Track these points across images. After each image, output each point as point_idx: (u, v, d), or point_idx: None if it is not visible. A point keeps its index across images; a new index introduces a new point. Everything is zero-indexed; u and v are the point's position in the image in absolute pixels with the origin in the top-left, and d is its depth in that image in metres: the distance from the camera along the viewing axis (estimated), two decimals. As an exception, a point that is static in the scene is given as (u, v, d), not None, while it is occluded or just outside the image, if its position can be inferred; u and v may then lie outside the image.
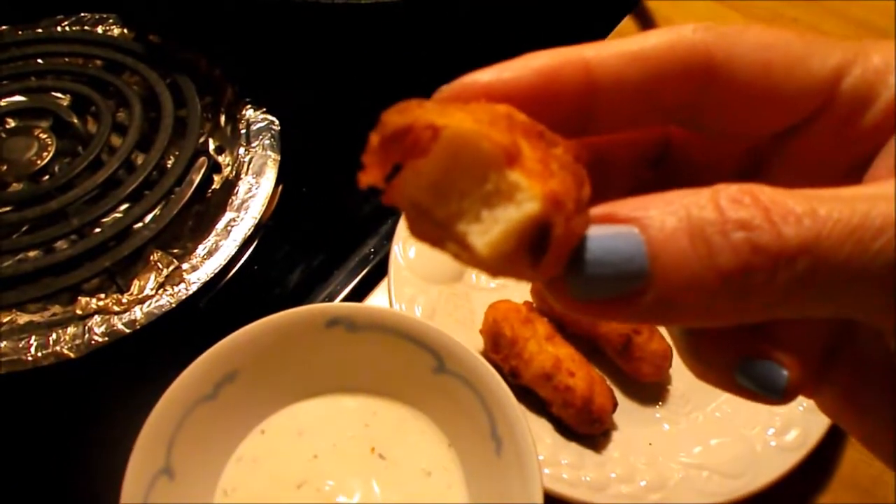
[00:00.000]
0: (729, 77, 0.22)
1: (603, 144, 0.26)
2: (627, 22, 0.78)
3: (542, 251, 0.19)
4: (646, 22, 0.78)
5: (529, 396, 0.50)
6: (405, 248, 0.55)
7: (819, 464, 0.52)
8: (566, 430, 0.49)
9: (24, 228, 0.59)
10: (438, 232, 0.20)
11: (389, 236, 0.57)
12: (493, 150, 0.19)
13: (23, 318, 0.56)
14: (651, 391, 0.52)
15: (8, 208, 0.60)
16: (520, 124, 0.20)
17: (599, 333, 0.51)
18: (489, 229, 0.19)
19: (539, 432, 0.49)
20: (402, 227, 0.56)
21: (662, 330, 0.52)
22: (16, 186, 0.61)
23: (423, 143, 0.19)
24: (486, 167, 0.19)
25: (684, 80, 0.22)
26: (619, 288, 0.19)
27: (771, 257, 0.18)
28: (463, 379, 0.45)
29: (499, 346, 0.50)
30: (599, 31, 0.76)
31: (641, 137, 0.27)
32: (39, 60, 0.71)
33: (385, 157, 0.20)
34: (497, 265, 0.19)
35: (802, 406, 0.50)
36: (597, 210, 0.20)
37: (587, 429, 0.48)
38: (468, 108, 0.20)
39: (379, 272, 0.58)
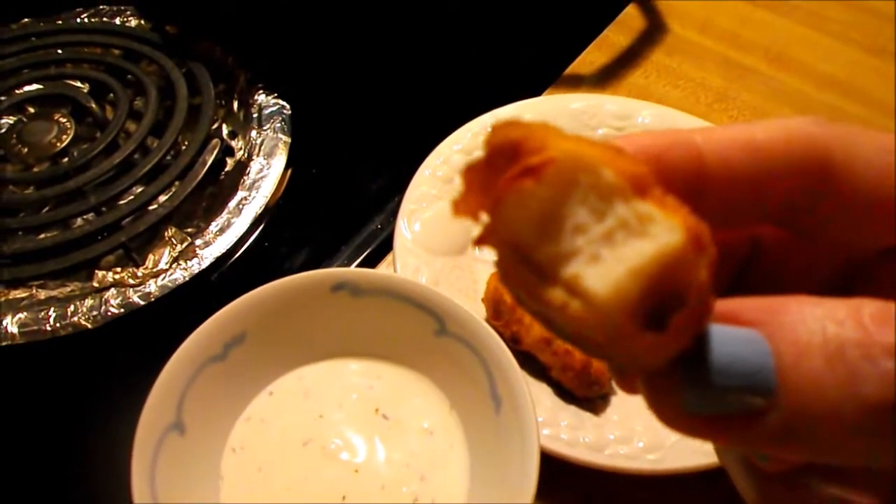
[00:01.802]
0: (847, 179, 0.20)
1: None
2: (631, 10, 0.80)
3: (660, 321, 0.16)
4: (649, 12, 0.79)
5: (530, 361, 0.51)
6: (410, 223, 0.56)
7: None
8: (566, 393, 0.50)
9: (44, 207, 0.61)
10: (537, 279, 0.17)
11: (395, 213, 0.59)
12: (618, 178, 0.16)
13: (43, 294, 0.58)
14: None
15: (30, 189, 0.62)
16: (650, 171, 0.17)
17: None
18: (612, 270, 0.16)
19: (539, 396, 0.50)
20: (406, 202, 0.57)
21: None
22: (36, 168, 0.64)
23: (531, 167, 0.16)
24: (610, 198, 0.16)
25: (799, 177, 0.20)
26: (740, 404, 0.17)
27: None
28: (464, 340, 0.46)
29: (500, 312, 0.51)
30: (600, 19, 0.78)
31: (736, 236, 0.24)
32: (59, 51, 0.74)
33: (488, 179, 0.17)
34: (617, 316, 0.16)
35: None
36: (721, 305, 0.17)
37: (586, 391, 0.49)
38: (584, 139, 0.17)
39: (385, 247, 0.60)
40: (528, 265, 0.17)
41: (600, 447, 0.47)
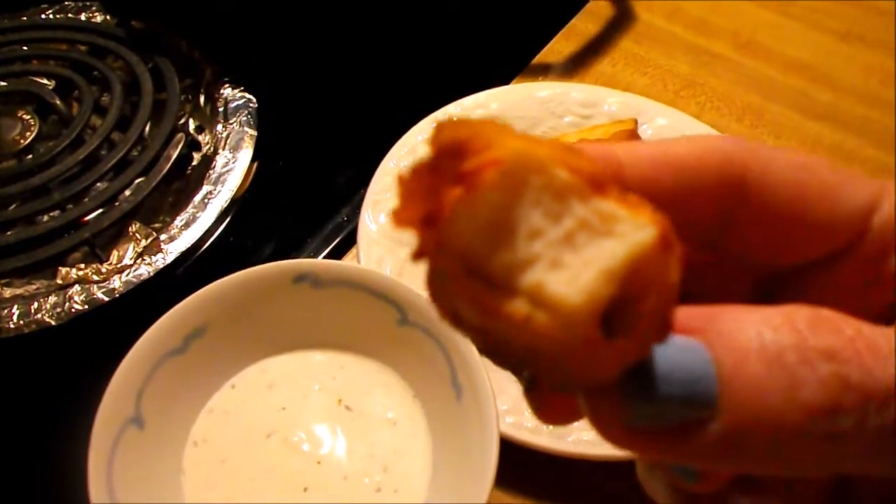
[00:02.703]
0: (762, 195, 0.20)
1: None
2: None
3: (612, 329, 0.15)
4: (617, 0, 0.79)
5: (494, 350, 0.51)
6: (374, 214, 0.56)
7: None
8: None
9: (8, 204, 0.60)
10: (489, 292, 0.15)
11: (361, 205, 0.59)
12: (572, 176, 0.15)
13: (7, 292, 0.57)
14: (616, 345, 0.53)
15: (3, 185, 0.62)
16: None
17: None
18: (580, 274, 0.15)
19: (503, 384, 0.50)
20: (371, 192, 0.57)
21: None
22: (0, 165, 0.63)
23: (478, 166, 0.15)
24: (565, 198, 0.15)
25: (717, 194, 0.20)
26: (682, 415, 0.16)
27: (862, 398, 0.15)
28: (425, 329, 0.46)
29: (464, 301, 0.51)
30: (568, 8, 0.77)
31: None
32: (24, 47, 0.73)
33: (432, 184, 0.15)
34: (587, 323, 0.15)
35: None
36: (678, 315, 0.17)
37: (550, 379, 0.49)
38: (513, 132, 0.16)
39: (351, 239, 0.60)
40: (476, 278, 0.15)
41: (564, 434, 0.47)
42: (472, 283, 0.15)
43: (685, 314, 0.17)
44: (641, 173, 0.20)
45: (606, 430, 0.17)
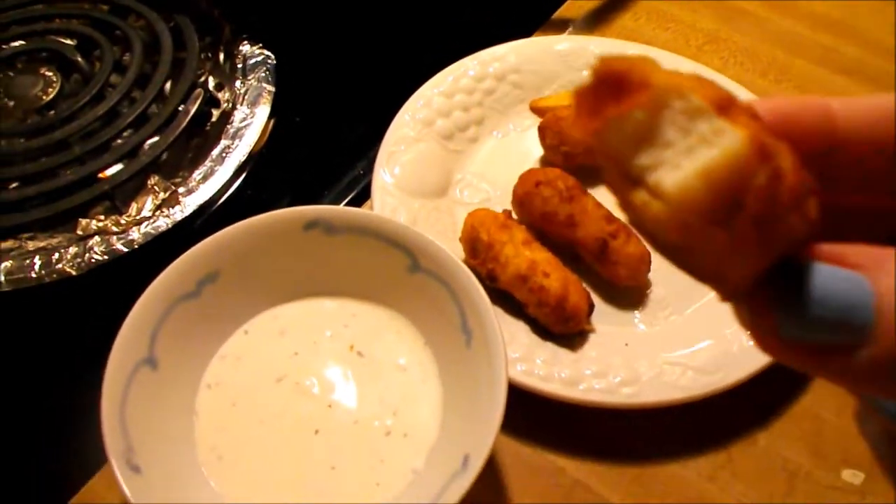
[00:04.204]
0: None
1: (835, 207, 0.24)
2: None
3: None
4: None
5: (506, 299, 0.51)
6: (390, 165, 0.56)
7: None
8: (543, 330, 0.50)
9: (29, 158, 0.61)
10: (630, 184, 0.20)
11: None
12: (701, 102, 0.18)
13: (30, 245, 0.58)
14: (630, 296, 0.53)
15: (15, 140, 0.63)
16: (748, 109, 0.19)
17: (577, 238, 0.52)
18: (684, 172, 0.18)
19: (516, 333, 0.50)
20: (385, 144, 0.57)
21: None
22: (22, 120, 0.64)
23: (634, 91, 0.19)
24: (695, 117, 0.19)
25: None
26: (835, 336, 0.18)
27: None
28: (435, 275, 0.46)
29: (476, 250, 0.51)
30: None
31: (878, 206, 0.24)
32: (47, 7, 0.74)
33: (596, 101, 0.20)
34: (687, 211, 0.18)
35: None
36: (827, 248, 0.19)
37: (562, 327, 0.49)
38: (684, 74, 0.19)
39: (367, 192, 0.59)
40: (626, 177, 0.20)
41: (575, 382, 0.47)
42: (623, 180, 0.20)
43: (857, 251, 0.18)
44: (856, 125, 0.21)
45: (762, 338, 0.19)
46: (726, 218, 0.18)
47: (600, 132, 0.20)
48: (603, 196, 0.54)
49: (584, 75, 0.62)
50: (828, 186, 0.21)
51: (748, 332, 0.20)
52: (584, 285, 0.51)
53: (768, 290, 0.19)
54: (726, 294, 0.20)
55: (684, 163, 0.19)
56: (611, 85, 0.20)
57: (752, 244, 0.18)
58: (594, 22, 0.71)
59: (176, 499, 0.40)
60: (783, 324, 0.18)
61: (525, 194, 0.53)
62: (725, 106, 0.18)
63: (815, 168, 0.20)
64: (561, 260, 0.51)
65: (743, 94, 0.61)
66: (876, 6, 0.74)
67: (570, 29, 0.71)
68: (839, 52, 0.70)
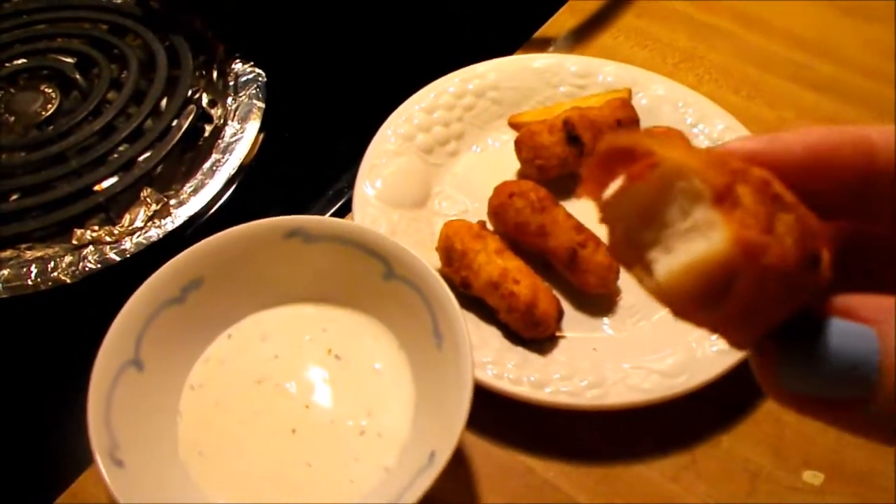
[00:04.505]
0: None
1: (873, 235, 0.23)
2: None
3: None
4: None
5: (479, 305, 0.53)
6: (371, 178, 0.59)
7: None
8: (514, 336, 0.52)
9: (28, 171, 0.64)
10: (633, 254, 0.21)
11: (361, 171, 0.61)
12: (702, 187, 0.19)
13: (28, 254, 0.61)
14: (600, 303, 0.55)
15: (15, 154, 0.65)
16: (756, 182, 0.19)
17: (548, 247, 0.54)
18: (672, 262, 0.19)
19: (488, 338, 0.52)
20: (368, 157, 0.60)
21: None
22: (23, 135, 0.67)
23: (640, 167, 0.20)
24: (696, 201, 0.19)
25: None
26: (840, 392, 0.18)
27: None
28: (409, 282, 0.48)
29: (451, 259, 0.53)
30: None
31: None
32: (49, 26, 0.77)
33: (604, 172, 0.21)
34: (673, 298, 0.19)
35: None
36: (840, 301, 0.19)
37: (531, 332, 0.51)
38: (693, 150, 0.20)
39: (351, 204, 0.62)
40: (629, 243, 0.21)
41: (543, 385, 0.49)
42: (627, 245, 0.21)
43: (866, 304, 0.18)
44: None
45: (766, 388, 0.19)
46: (714, 303, 0.19)
47: (608, 200, 0.21)
48: (573, 207, 0.56)
49: (562, 91, 0.65)
50: (864, 216, 0.22)
51: (758, 379, 0.20)
52: (555, 293, 0.54)
53: (772, 345, 0.19)
54: (730, 345, 0.21)
55: (678, 247, 0.19)
56: (617, 159, 0.20)
57: (741, 324, 0.19)
58: (574, 41, 0.74)
59: (157, 493, 0.42)
60: (786, 379, 0.19)
61: (499, 205, 0.55)
62: (723, 194, 0.18)
63: (851, 201, 0.21)
64: (533, 268, 0.54)
65: (716, 111, 0.64)
66: (849, 25, 0.76)
67: (552, 48, 0.73)
68: (812, 70, 0.72)
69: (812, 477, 0.50)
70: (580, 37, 0.74)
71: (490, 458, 0.50)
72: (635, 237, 0.20)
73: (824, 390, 0.18)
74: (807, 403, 0.19)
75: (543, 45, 0.73)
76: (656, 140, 0.20)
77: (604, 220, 0.21)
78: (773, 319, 0.19)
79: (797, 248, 0.18)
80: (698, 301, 0.19)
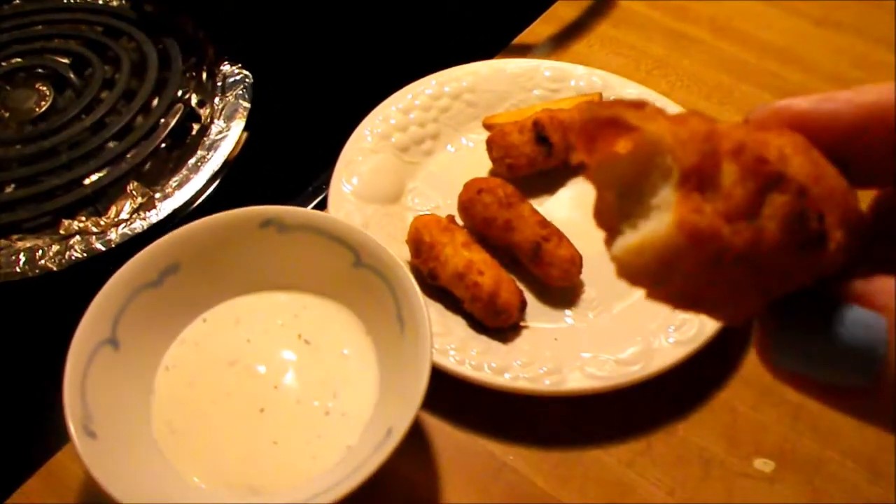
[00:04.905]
0: None
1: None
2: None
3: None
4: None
5: (446, 296, 0.55)
6: (348, 174, 0.61)
7: (721, 363, 0.56)
8: (478, 325, 0.54)
9: (20, 163, 0.67)
10: (610, 223, 0.21)
11: (340, 168, 0.63)
12: (672, 165, 0.19)
13: (19, 244, 0.63)
14: (564, 296, 0.57)
15: (16, 147, 0.68)
16: (749, 161, 0.18)
17: (514, 241, 0.56)
18: (632, 237, 0.19)
19: (453, 327, 0.54)
20: (344, 154, 0.62)
21: (572, 237, 0.56)
22: (17, 129, 0.69)
23: (624, 139, 0.20)
24: (664, 180, 0.19)
25: None
26: (832, 377, 0.17)
27: None
28: (375, 270, 0.51)
29: (420, 251, 0.55)
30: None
31: None
32: (47, 27, 0.80)
33: (590, 140, 0.21)
34: (625, 273, 0.20)
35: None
36: (855, 284, 0.18)
37: (493, 321, 0.53)
38: (679, 123, 0.19)
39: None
40: (611, 211, 0.21)
41: (504, 370, 0.51)
42: (608, 212, 0.21)
43: (881, 286, 0.17)
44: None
45: (763, 363, 0.19)
46: (665, 281, 0.19)
47: (595, 166, 0.21)
48: (542, 204, 0.58)
49: (535, 94, 0.67)
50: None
51: (757, 353, 0.20)
52: (521, 285, 0.56)
53: (770, 321, 0.19)
54: (714, 318, 0.22)
55: (640, 224, 0.19)
56: (605, 125, 0.20)
57: (696, 303, 0.19)
58: (552, 48, 0.76)
59: (128, 464, 0.44)
60: (778, 357, 0.18)
61: (468, 200, 0.58)
62: (691, 172, 0.18)
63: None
64: (500, 262, 0.56)
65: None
66: (819, 35, 0.78)
67: (532, 55, 0.76)
68: (783, 78, 0.75)
69: (763, 464, 0.52)
70: (556, 44, 0.76)
71: (452, 441, 0.52)
72: (615, 206, 0.21)
73: (819, 375, 0.18)
74: (803, 385, 0.18)
75: (521, 52, 0.76)
76: (640, 113, 0.20)
77: (592, 181, 0.21)
78: (755, 298, 0.19)
79: (783, 231, 0.18)
80: (650, 278, 0.19)
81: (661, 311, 0.54)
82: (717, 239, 0.18)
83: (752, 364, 0.56)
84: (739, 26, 0.79)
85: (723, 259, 0.18)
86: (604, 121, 0.20)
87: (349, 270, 0.52)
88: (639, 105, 0.20)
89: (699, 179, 0.18)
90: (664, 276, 0.19)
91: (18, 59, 0.75)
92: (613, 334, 0.54)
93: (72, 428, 0.42)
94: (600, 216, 0.21)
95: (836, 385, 0.18)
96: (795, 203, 0.18)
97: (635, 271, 0.19)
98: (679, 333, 0.53)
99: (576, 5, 0.80)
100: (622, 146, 0.20)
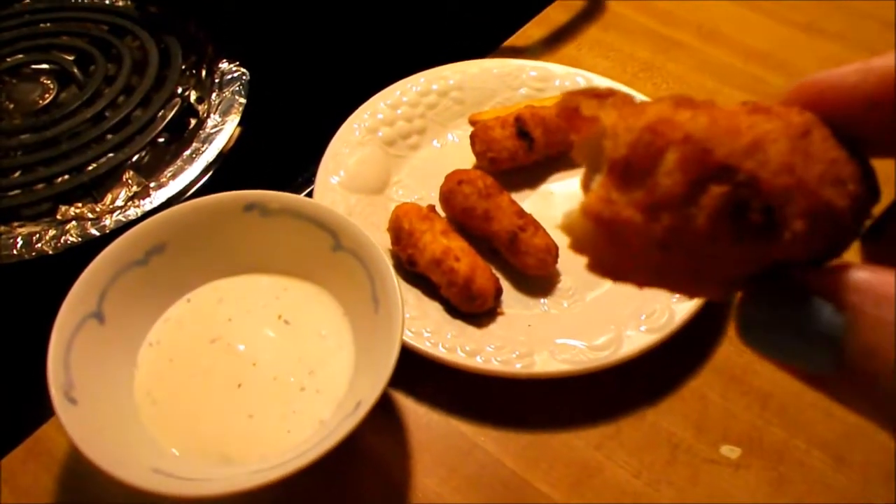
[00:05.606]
0: None
1: None
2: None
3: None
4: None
5: (424, 282, 0.57)
6: (334, 165, 0.63)
7: (692, 351, 0.57)
8: (455, 310, 0.56)
9: (22, 151, 0.69)
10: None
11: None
12: (609, 151, 0.20)
13: (19, 230, 0.65)
14: (541, 285, 0.59)
15: (20, 136, 0.71)
16: (693, 151, 0.19)
17: (492, 231, 0.58)
18: (573, 212, 0.21)
19: (430, 311, 0.56)
20: (331, 147, 0.64)
21: (550, 229, 0.58)
22: (20, 120, 0.72)
23: (588, 125, 0.22)
24: (603, 166, 0.20)
25: None
26: (794, 362, 0.18)
27: None
28: (353, 252, 0.52)
29: (399, 238, 0.57)
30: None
31: None
32: (54, 25, 0.83)
33: (569, 123, 0.23)
34: (573, 241, 0.21)
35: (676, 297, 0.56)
36: (824, 276, 0.18)
37: (468, 306, 0.55)
38: (642, 109, 0.20)
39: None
40: (586, 185, 0.22)
41: (476, 354, 0.53)
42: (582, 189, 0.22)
43: (847, 282, 0.17)
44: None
45: (738, 337, 0.19)
46: (615, 256, 0.20)
47: (578, 143, 0.23)
48: (520, 198, 0.60)
49: (521, 93, 0.69)
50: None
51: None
52: (499, 274, 0.57)
53: (740, 308, 0.19)
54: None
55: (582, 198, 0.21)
56: (576, 111, 0.22)
57: (628, 277, 0.21)
58: (541, 51, 0.78)
59: (107, 431, 0.46)
60: (745, 334, 0.18)
61: (448, 191, 0.59)
62: (616, 163, 0.20)
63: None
64: (479, 251, 0.57)
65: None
66: (804, 41, 0.80)
67: (522, 58, 0.78)
68: (766, 82, 0.76)
69: (729, 451, 0.53)
70: (546, 47, 0.78)
71: (424, 421, 0.54)
72: (587, 179, 0.22)
73: (787, 360, 0.18)
74: (778, 365, 0.18)
75: (512, 55, 0.78)
76: (601, 102, 0.21)
77: (578, 159, 0.23)
78: (708, 284, 0.20)
79: (711, 221, 0.18)
80: (591, 253, 0.20)
81: (634, 300, 0.56)
82: (626, 225, 0.19)
83: (723, 353, 0.57)
84: (726, 32, 0.81)
85: (634, 244, 0.19)
86: (572, 109, 0.22)
87: (329, 254, 0.54)
88: (605, 94, 0.21)
89: (624, 169, 0.19)
90: (608, 253, 0.20)
91: (25, 55, 0.78)
92: (587, 321, 0.56)
93: (53, 392, 0.44)
94: (584, 188, 0.23)
95: (804, 370, 0.18)
96: (731, 194, 0.18)
97: (575, 244, 0.21)
98: (650, 321, 0.54)
99: (567, 9, 0.82)
100: (583, 134, 0.22)
